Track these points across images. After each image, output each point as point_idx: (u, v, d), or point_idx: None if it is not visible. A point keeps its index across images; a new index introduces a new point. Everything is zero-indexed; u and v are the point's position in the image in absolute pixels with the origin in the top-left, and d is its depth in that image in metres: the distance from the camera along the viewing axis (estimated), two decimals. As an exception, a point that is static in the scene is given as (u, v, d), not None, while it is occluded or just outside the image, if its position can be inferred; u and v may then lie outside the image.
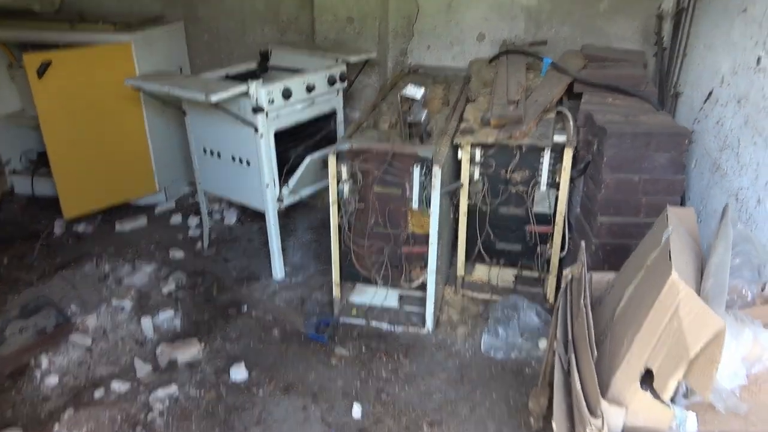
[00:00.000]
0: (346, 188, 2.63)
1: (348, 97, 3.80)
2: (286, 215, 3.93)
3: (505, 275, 3.06)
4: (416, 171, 2.53)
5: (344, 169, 2.59)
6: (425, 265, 2.71)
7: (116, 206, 3.98)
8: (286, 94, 2.92)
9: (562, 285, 1.92)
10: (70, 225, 3.90)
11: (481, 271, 3.09)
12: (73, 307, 3.07)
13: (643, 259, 1.69)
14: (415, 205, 2.60)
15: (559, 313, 1.85)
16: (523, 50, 3.17)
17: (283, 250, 3.53)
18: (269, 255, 3.30)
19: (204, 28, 4.24)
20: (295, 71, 3.45)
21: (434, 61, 3.94)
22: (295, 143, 3.31)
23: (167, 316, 2.99)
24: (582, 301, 1.67)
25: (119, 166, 3.81)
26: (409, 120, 3.25)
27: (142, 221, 3.97)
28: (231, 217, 4.00)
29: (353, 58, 3.33)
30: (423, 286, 2.76)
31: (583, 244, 1.91)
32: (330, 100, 3.29)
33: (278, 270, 3.30)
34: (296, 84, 2.98)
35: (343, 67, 3.28)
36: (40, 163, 4.18)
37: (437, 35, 3.86)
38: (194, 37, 4.26)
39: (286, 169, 3.15)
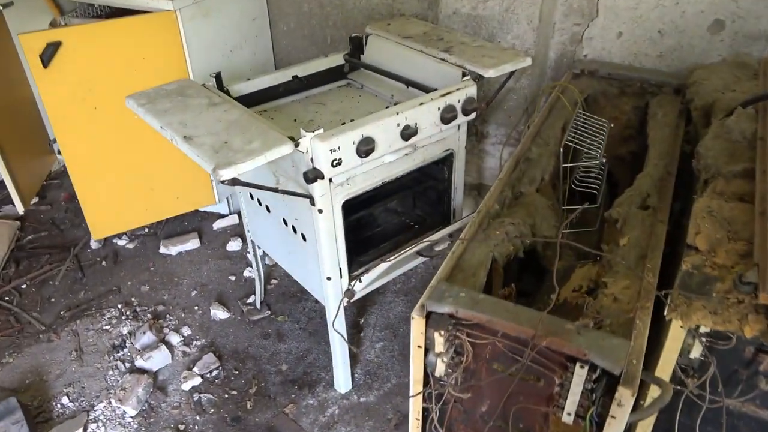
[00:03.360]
0: (440, 363, 1.43)
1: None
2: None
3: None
4: (579, 372, 1.26)
5: (439, 337, 1.38)
6: None
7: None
8: (364, 151, 1.69)
9: None
10: (110, 237, 3.11)
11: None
12: (65, 401, 2.27)
13: None
14: (568, 419, 1.35)
15: None
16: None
17: (355, 333, 2.46)
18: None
19: (290, -17, 3.04)
20: (395, 78, 2.19)
21: (626, 56, 2.44)
22: (378, 204, 2.12)
23: (173, 448, 2.08)
24: None
25: (166, 175, 2.86)
26: (576, 183, 1.98)
27: (193, 243, 3.07)
28: (303, 254, 2.95)
29: (492, 72, 1.94)
30: None
31: None
32: (444, 140, 2.00)
33: (342, 382, 2.24)
34: (383, 130, 1.73)
35: (472, 89, 1.94)
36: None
37: (638, 17, 2.34)
38: (276, -5, 3.08)
39: (362, 240, 2.01)
